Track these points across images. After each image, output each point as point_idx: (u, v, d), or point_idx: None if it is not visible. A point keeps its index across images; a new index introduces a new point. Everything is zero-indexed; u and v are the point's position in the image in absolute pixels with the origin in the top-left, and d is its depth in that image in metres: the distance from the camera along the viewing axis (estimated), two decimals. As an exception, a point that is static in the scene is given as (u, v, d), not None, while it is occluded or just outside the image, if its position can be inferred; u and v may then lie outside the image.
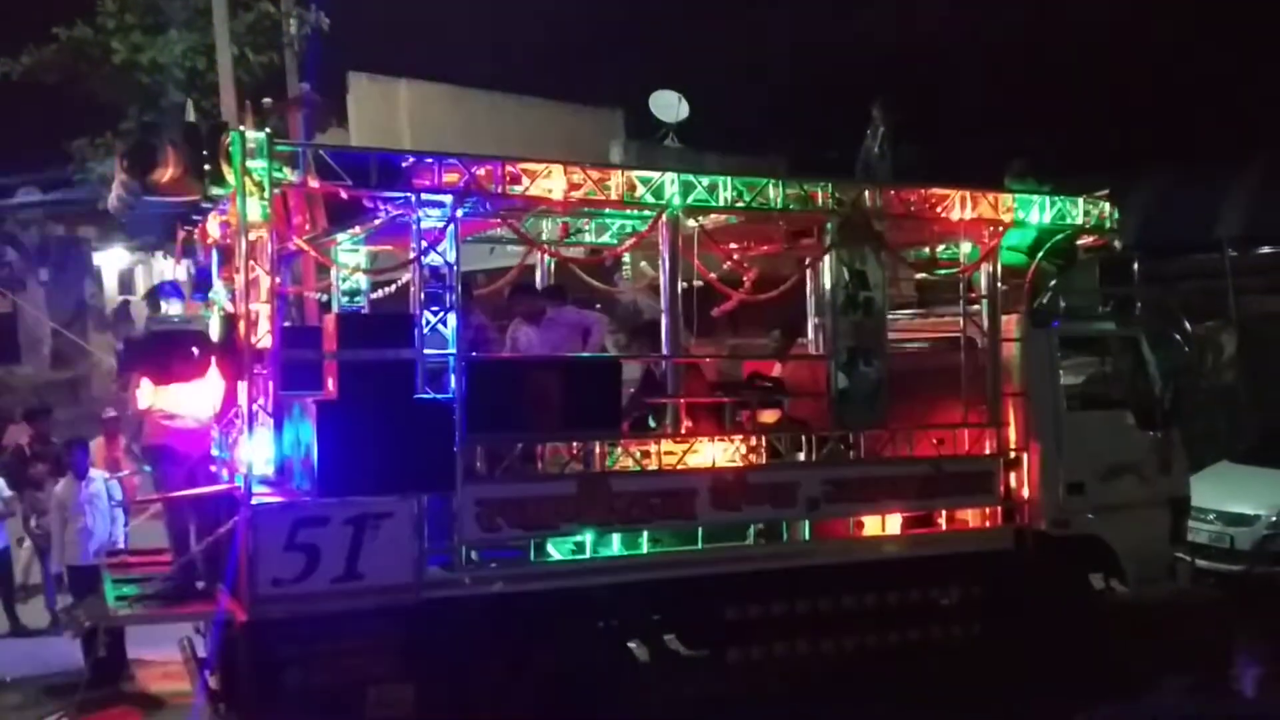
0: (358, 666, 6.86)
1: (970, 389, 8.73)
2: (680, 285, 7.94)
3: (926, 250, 9.64)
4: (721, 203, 7.90)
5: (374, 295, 9.07)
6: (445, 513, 7.02)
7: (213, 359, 6.93)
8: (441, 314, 7.20)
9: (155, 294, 7.89)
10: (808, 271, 9.03)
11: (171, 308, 7.67)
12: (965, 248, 8.97)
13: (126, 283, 28.84)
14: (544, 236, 9.21)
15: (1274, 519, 11.46)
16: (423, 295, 7.23)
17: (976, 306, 8.82)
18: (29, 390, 21.51)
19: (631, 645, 8.05)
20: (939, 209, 8.49)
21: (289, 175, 6.72)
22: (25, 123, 20.06)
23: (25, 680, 9.39)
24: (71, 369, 23.44)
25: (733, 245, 9.31)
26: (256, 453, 6.68)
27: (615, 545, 7.67)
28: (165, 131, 6.74)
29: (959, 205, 8.51)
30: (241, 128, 6.68)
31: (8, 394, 20.91)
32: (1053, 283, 9.21)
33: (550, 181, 7.42)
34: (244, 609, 6.60)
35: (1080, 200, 9.09)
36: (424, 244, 7.13)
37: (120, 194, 7.44)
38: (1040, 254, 9.02)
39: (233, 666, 7.21)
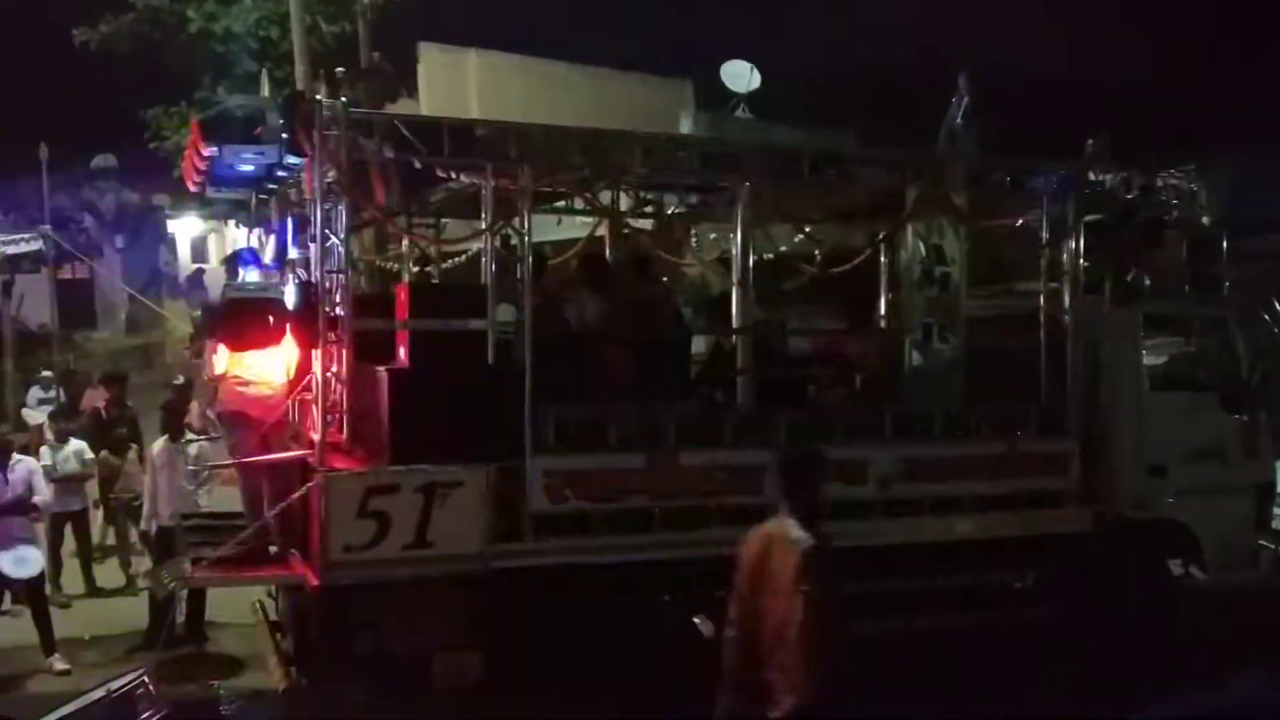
0: (426, 633, 6.93)
1: (1049, 367, 8.53)
2: (751, 258, 7.84)
3: (1007, 225, 9.41)
4: (796, 175, 7.77)
5: (445, 265, 9.09)
6: (515, 483, 7.03)
7: (288, 326, 6.99)
8: (513, 284, 7.20)
9: (234, 261, 7.98)
10: (882, 246, 8.88)
11: (249, 275, 7.76)
12: (1047, 223, 8.74)
13: (200, 250, 29.39)
14: (614, 208, 9.14)
15: (1362, 507, 11.09)
16: (493, 265, 7.23)
17: (1057, 283, 8.61)
18: (105, 355, 22.03)
19: (696, 620, 8.01)
20: (1020, 183, 8.27)
21: (364, 144, 6.73)
22: (103, 91, 20.43)
23: (103, 639, 9.63)
24: (146, 335, 23.96)
25: (806, 219, 9.22)
26: (330, 420, 6.72)
27: (683, 520, 7.63)
28: (244, 102, 6.77)
29: (1041, 179, 8.28)
30: (318, 96, 6.70)
31: (84, 359, 21.43)
32: (1137, 260, 8.94)
33: (621, 152, 7.35)
34: (316, 574, 6.68)
35: (1166, 176, 8.80)
36: (496, 214, 7.12)
37: (197, 162, 7.53)
38: (1125, 230, 8.76)
39: (305, 630, 7.33)
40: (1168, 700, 7.63)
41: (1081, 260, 8.57)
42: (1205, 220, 9.51)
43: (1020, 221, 9.31)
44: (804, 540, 5.18)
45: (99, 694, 6.02)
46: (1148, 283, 9.03)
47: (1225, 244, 9.58)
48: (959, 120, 9.18)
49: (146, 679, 6.21)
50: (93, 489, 11.56)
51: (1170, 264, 9.32)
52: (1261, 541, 9.41)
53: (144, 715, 5.96)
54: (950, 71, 9.43)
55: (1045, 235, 8.71)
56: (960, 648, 8.22)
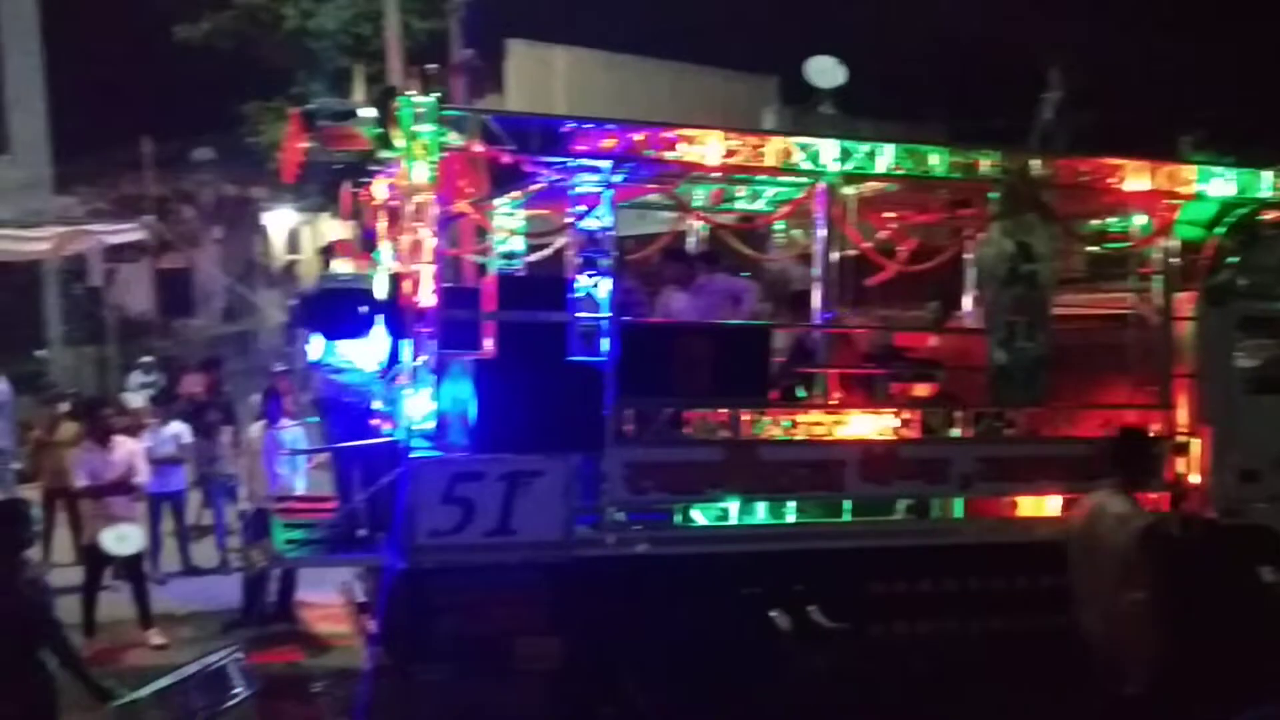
0: (507, 618, 7.05)
1: (1139, 368, 8.38)
2: (834, 254, 7.84)
3: (1097, 222, 9.25)
4: (880, 170, 7.74)
5: (530, 258, 9.23)
6: (594, 473, 7.14)
7: (379, 316, 7.18)
8: (595, 278, 7.31)
9: (328, 252, 8.19)
10: (966, 243, 8.79)
11: (343, 266, 7.97)
12: (1139, 220, 8.57)
13: (293, 241, 30.09)
14: (696, 203, 9.20)
15: None
16: (577, 259, 7.33)
17: (1148, 282, 8.44)
18: (202, 342, 22.75)
19: (773, 614, 8.04)
20: (1112, 180, 8.13)
21: (454, 140, 6.88)
22: (202, 86, 21.05)
23: (198, 615, 9.99)
24: (241, 323, 24.65)
25: (889, 214, 9.17)
26: (418, 408, 6.90)
27: (760, 513, 7.67)
28: (340, 98, 6.95)
29: (1134, 176, 8.13)
30: (410, 93, 6.87)
31: (182, 345, 22.15)
32: (1232, 259, 8.72)
33: (706, 147, 7.40)
34: (403, 557, 6.86)
35: (1267, 172, 8.57)
36: (580, 208, 7.23)
37: (293, 156, 7.74)
38: (1220, 229, 8.55)
39: (391, 612, 7.52)
40: (1258, 706, 7.47)
41: (1174, 259, 8.39)
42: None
43: (1112, 219, 9.15)
44: (1134, 516, 5.29)
45: (194, 669, 6.27)
46: (1243, 282, 8.80)
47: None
48: (1050, 115, 9.03)
49: (240, 655, 6.45)
50: (189, 471, 11.99)
51: (1267, 264, 9.07)
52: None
53: (236, 690, 6.19)
54: (1041, 65, 9.27)
55: (1137, 233, 8.55)
56: (1036, 651, 8.13)
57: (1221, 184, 8.38)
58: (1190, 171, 8.30)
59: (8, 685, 5.49)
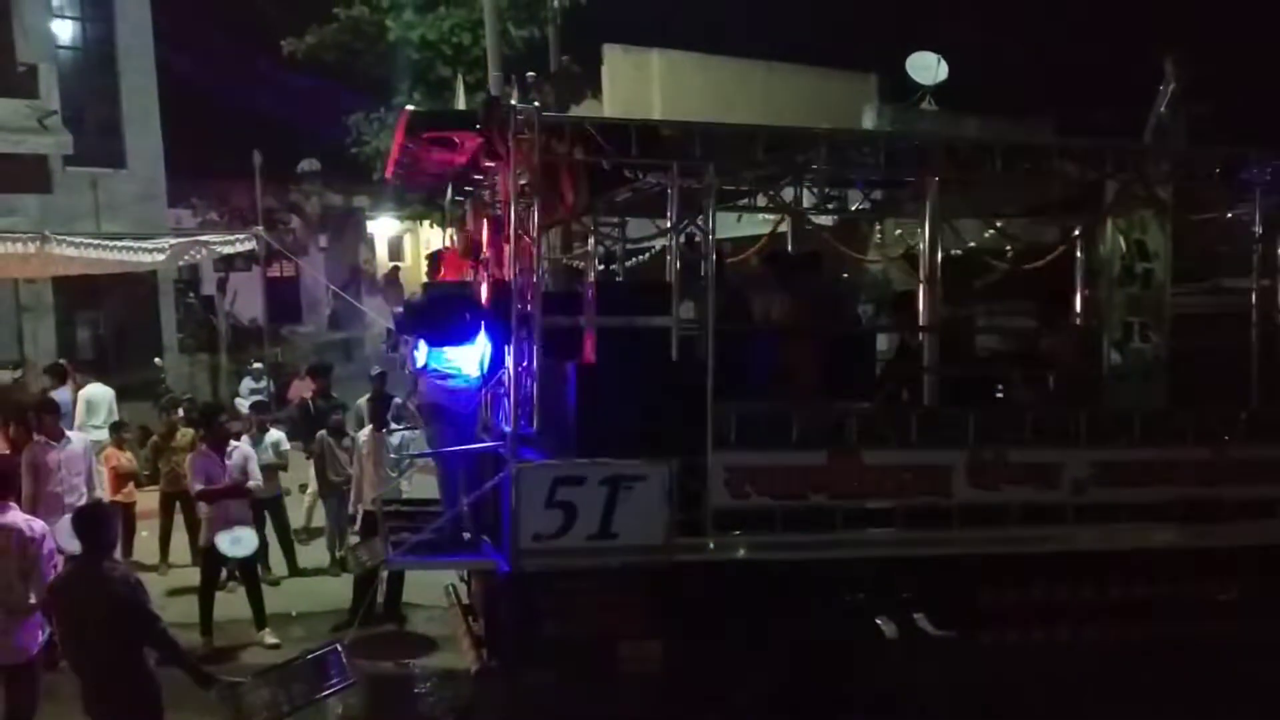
0: (610, 621, 7.07)
1: (1262, 369, 8.03)
2: (939, 254, 7.68)
3: (1217, 218, 8.89)
4: (988, 168, 7.57)
5: (630, 263, 9.25)
6: (696, 478, 7.11)
7: (482, 323, 7.26)
8: (697, 282, 7.28)
9: (435, 260, 8.31)
10: (1078, 241, 8.53)
11: (447, 274, 8.08)
12: (1260, 216, 8.21)
13: (396, 250, 30.73)
14: (797, 204, 9.11)
15: None
16: (678, 263, 7.32)
17: (1270, 280, 8.08)
18: (309, 348, 23.34)
19: (879, 621, 7.91)
20: (1230, 173, 7.81)
21: (556, 147, 6.92)
22: (309, 98, 21.62)
23: (309, 616, 10.22)
24: (346, 330, 25.23)
25: (996, 213, 8.96)
26: (521, 413, 6.96)
27: (866, 519, 7.55)
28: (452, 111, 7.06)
29: (1253, 168, 7.79)
30: (512, 101, 6.93)
31: (291, 352, 22.75)
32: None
33: (806, 149, 7.32)
34: (506, 561, 6.92)
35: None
36: (680, 212, 7.21)
37: (401, 164, 7.88)
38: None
39: (495, 614, 7.60)
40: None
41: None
42: None
43: (1231, 215, 8.79)
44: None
45: (297, 659, 6.47)
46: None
47: None
48: (1166, 108, 8.70)
49: (340, 648, 6.60)
50: (295, 476, 12.26)
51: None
52: None
53: (334, 679, 6.34)
54: (1157, 56, 8.95)
55: (1259, 229, 8.20)
56: (1161, 659, 7.85)
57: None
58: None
59: (111, 684, 5.68)
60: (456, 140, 7.24)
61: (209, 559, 9.67)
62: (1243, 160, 7.80)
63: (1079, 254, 8.81)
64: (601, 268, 9.41)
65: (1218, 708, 7.58)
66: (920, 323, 7.71)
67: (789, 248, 9.38)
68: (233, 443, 9.92)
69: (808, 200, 9.28)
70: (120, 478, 11.45)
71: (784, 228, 9.49)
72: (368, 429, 10.54)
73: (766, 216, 9.45)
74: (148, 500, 11.98)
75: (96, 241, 15.27)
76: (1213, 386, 8.26)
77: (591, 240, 9.14)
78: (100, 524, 5.98)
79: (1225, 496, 7.99)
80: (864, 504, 7.43)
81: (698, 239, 7.45)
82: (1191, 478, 7.84)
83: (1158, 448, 7.84)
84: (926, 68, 15.50)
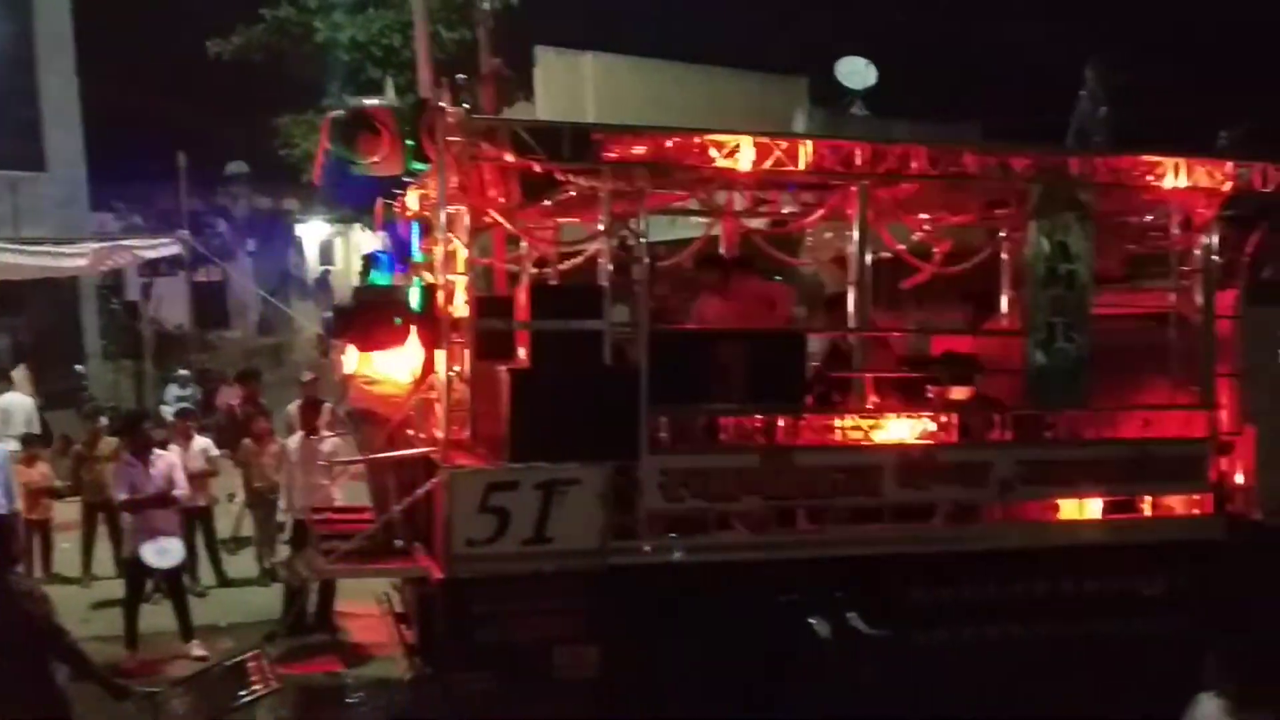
0: (545, 627, 7.03)
1: (1181, 368, 8.25)
2: (868, 257, 7.78)
3: (1136, 221, 9.12)
4: (914, 172, 7.67)
5: (562, 267, 9.22)
6: (631, 481, 7.10)
7: (413, 327, 7.19)
8: (629, 285, 7.29)
9: (370, 262, 8.22)
10: (1003, 244, 8.69)
11: (379, 278, 7.99)
12: (1178, 218, 8.45)
13: (326, 253, 30.34)
14: (730, 207, 9.15)
15: None
16: (610, 267, 7.32)
17: (1189, 281, 8.31)
18: (237, 354, 22.95)
19: (812, 621, 7.98)
20: (1151, 177, 8.02)
21: (486, 149, 6.88)
22: (235, 100, 21.28)
23: (238, 627, 10.04)
24: (275, 335, 24.85)
25: (924, 216, 9.09)
26: (453, 418, 6.90)
27: (798, 520, 7.61)
28: (372, 109, 6.98)
29: (1174, 173, 8.01)
30: (441, 103, 6.88)
31: (218, 357, 22.36)
32: (1275, 256, 8.57)
33: (738, 153, 7.36)
34: (440, 567, 6.86)
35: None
36: (612, 215, 7.21)
37: (326, 167, 7.78)
38: (1262, 226, 8.41)
39: (428, 622, 7.53)
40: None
41: (1216, 257, 8.26)
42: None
43: (1151, 217, 9.02)
44: None
45: (215, 667, 6.37)
46: (1286, 279, 8.64)
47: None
48: (1089, 108, 8.90)
49: (261, 655, 6.50)
50: (224, 484, 12.05)
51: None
52: None
53: (254, 687, 6.25)
54: (1078, 62, 9.16)
55: (1177, 231, 8.42)
56: (1085, 655, 8.01)
57: (1262, 179, 8.24)
58: (1230, 167, 8.16)
59: (17, 700, 5.52)
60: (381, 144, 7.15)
61: (133, 570, 9.48)
62: (1159, 163, 8.00)
63: (1005, 256, 8.97)
64: (534, 271, 9.37)
65: (1145, 701, 7.76)
66: (850, 325, 7.79)
67: (722, 251, 9.42)
68: (158, 451, 9.73)
69: (740, 203, 9.33)
70: (32, 495, 11.12)
71: (717, 231, 9.53)
72: (298, 436, 10.40)
73: (700, 219, 9.49)
74: (70, 511, 11.69)
75: (15, 247, 14.89)
76: (1133, 386, 8.48)
77: (524, 243, 9.11)
78: (1, 537, 5.82)
79: (1146, 493, 8.20)
80: (797, 504, 7.49)
81: (631, 242, 7.45)
82: (1115, 475, 8.03)
83: (1080, 446, 8.02)
84: (856, 73, 15.72)
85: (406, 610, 8.47)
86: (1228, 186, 8.14)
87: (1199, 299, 8.22)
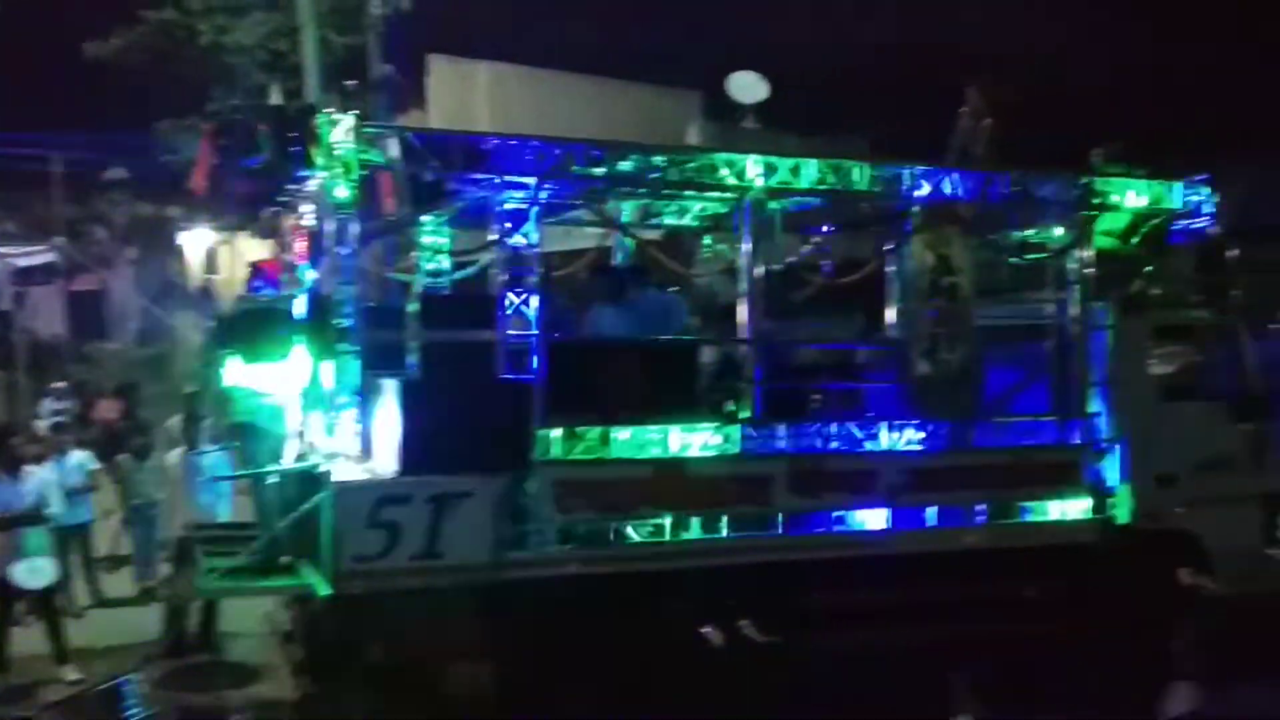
0: (438, 642, 6.96)
1: (1058, 377, 8.54)
2: (759, 269, 7.88)
3: (1015, 235, 9.43)
4: (804, 185, 7.81)
5: (455, 276, 9.13)
6: (525, 493, 7.06)
7: (299, 338, 7.03)
8: (523, 295, 7.25)
9: (254, 271, 8.03)
10: (890, 256, 8.89)
11: (264, 287, 7.80)
12: (1056, 232, 8.76)
13: (211, 262, 29.47)
14: (623, 219, 9.19)
15: (1372, 517, 11.05)
16: (504, 277, 7.27)
17: (1065, 293, 8.62)
18: (116, 366, 22.15)
19: (705, 630, 8.02)
20: (1030, 193, 8.30)
21: (375, 157, 6.78)
22: (114, 104, 20.57)
23: (116, 649, 9.66)
24: (157, 345, 24.05)
25: (813, 228, 9.25)
26: (340, 431, 6.77)
27: (692, 529, 7.66)
28: (257, 113, 6.81)
29: (1050, 188, 8.30)
30: (329, 110, 6.76)
31: (96, 369, 21.56)
32: (1146, 269, 8.95)
33: (631, 163, 7.39)
34: (327, 584, 6.72)
35: (1177, 184, 8.82)
36: (505, 226, 7.17)
37: (208, 174, 7.58)
38: (1134, 240, 8.77)
39: (315, 640, 7.36)
40: (1175, 712, 7.62)
41: (1089, 269, 8.58)
42: (1215, 229, 9.51)
43: (1029, 231, 9.33)
44: None
45: (85, 688, 6.14)
46: (1156, 292, 9.03)
47: (1234, 253, 9.58)
48: (969, 126, 9.18)
49: (134, 678, 6.29)
50: (107, 500, 11.62)
51: (1180, 273, 9.32)
52: (1270, 552, 9.37)
53: (129, 712, 6.03)
54: (963, 76, 9.44)
55: (1053, 245, 8.73)
56: (968, 659, 8.22)
57: (1134, 196, 8.60)
58: (1104, 184, 8.50)
59: None
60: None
61: (2, 591, 9.04)
62: (1039, 180, 8.29)
63: (891, 269, 9.18)
64: (426, 280, 9.25)
65: (1026, 701, 7.99)
66: (742, 335, 7.87)
67: (616, 261, 9.45)
68: (29, 467, 9.32)
69: (633, 214, 9.37)
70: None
71: (610, 242, 9.56)
72: (179, 450, 10.08)
73: (594, 230, 9.50)
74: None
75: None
76: (1013, 395, 8.75)
77: (415, 252, 8.99)
78: None
79: (1026, 499, 8.47)
80: (690, 514, 7.54)
81: (523, 252, 7.42)
82: (997, 481, 8.26)
83: (963, 454, 8.25)
84: (747, 87, 15.90)
85: (293, 629, 8.26)
86: (1101, 201, 8.47)
87: (1074, 310, 8.53)
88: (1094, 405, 8.55)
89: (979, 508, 8.39)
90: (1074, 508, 8.55)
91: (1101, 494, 8.57)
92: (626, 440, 7.73)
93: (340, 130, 6.62)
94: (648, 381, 7.60)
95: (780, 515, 7.79)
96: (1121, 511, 8.59)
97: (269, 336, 7.12)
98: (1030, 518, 8.53)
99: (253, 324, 7.52)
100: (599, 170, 7.35)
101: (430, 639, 6.96)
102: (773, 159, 7.75)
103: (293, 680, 7.56)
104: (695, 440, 7.74)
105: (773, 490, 7.63)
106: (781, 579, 7.77)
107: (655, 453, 7.61)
